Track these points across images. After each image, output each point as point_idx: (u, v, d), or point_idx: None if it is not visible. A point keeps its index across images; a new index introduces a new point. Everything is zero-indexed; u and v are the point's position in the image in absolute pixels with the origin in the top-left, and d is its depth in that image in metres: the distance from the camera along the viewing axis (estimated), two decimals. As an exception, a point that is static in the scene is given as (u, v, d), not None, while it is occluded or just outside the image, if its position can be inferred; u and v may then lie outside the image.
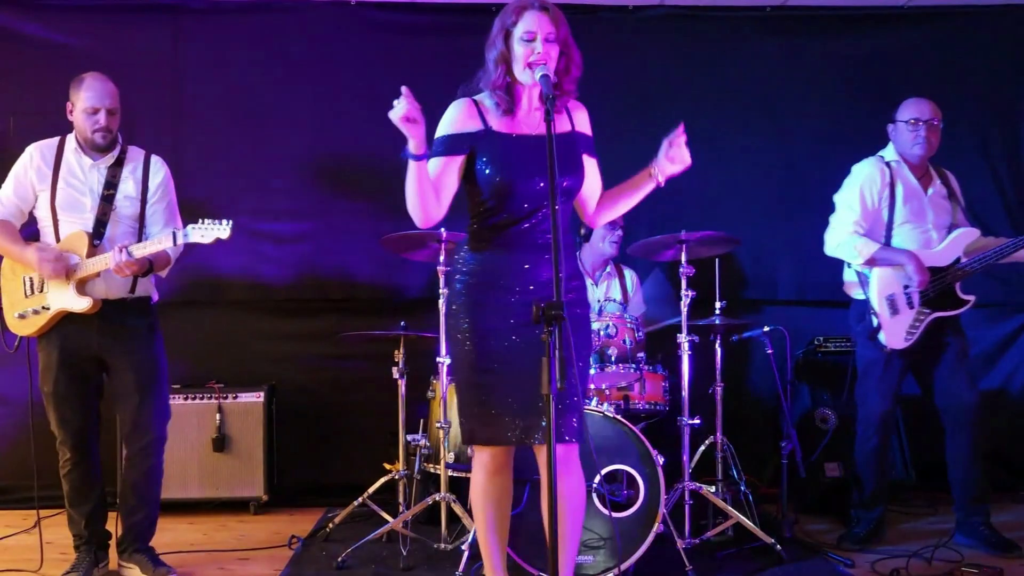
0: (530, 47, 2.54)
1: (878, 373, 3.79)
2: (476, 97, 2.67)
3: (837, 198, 3.87)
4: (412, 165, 2.48)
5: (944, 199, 3.81)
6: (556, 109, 2.60)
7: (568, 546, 2.69)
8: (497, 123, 2.64)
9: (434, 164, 2.61)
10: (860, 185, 3.79)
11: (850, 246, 3.76)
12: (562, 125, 2.66)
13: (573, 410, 2.61)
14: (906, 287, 3.72)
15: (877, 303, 3.75)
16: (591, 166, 2.75)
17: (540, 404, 2.49)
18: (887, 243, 3.78)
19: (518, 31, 2.56)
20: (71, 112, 3.38)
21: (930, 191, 3.80)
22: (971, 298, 3.73)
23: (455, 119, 2.65)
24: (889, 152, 3.84)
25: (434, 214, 2.57)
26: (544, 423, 2.50)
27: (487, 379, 2.62)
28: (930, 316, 3.70)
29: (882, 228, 3.80)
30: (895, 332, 3.74)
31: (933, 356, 3.78)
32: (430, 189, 2.54)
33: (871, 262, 3.73)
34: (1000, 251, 3.67)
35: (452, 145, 2.63)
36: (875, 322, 3.74)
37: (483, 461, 2.70)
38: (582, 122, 2.75)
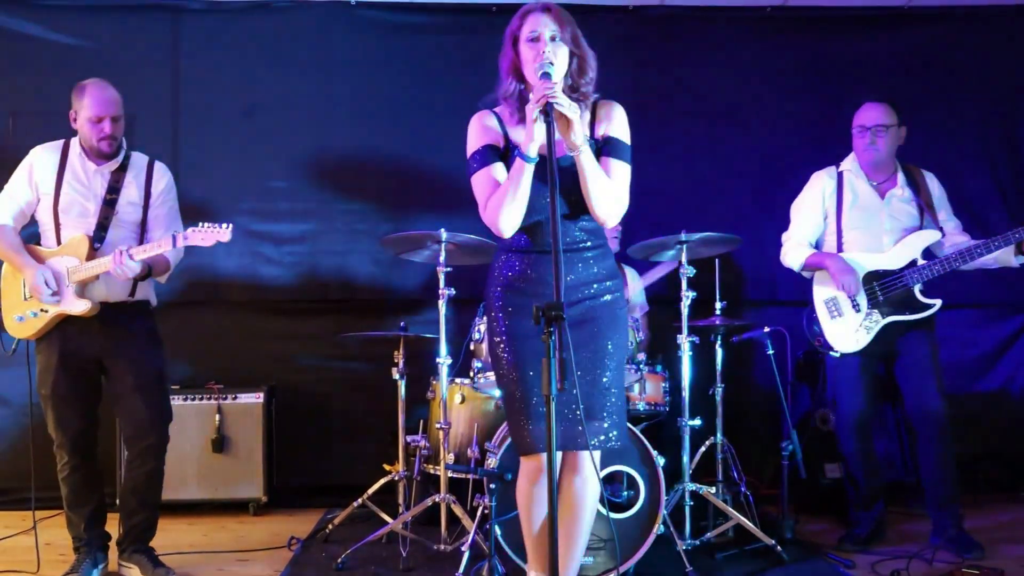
0: (536, 48, 2.53)
1: (842, 376, 3.83)
2: (497, 109, 2.68)
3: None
4: (521, 166, 2.49)
5: (907, 203, 3.78)
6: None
7: (575, 548, 2.72)
8: (516, 135, 2.63)
9: (479, 179, 2.63)
10: (801, 197, 3.95)
11: (785, 255, 3.94)
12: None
13: (601, 415, 2.61)
14: (852, 294, 3.74)
15: (817, 307, 3.82)
16: (610, 167, 2.63)
17: (577, 410, 2.52)
18: (839, 249, 3.82)
19: (523, 34, 2.56)
20: (75, 120, 3.37)
21: (889, 196, 3.79)
22: (934, 302, 3.68)
23: (481, 131, 2.66)
24: (848, 159, 3.89)
25: (516, 220, 2.58)
26: (581, 429, 2.53)
27: (524, 386, 2.61)
28: (884, 320, 3.70)
29: (833, 236, 3.86)
30: (840, 336, 3.77)
31: (902, 362, 3.77)
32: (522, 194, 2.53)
33: (807, 269, 3.87)
34: (965, 253, 3.62)
35: (486, 156, 2.63)
36: (817, 327, 3.81)
37: (524, 469, 2.70)
38: (607, 122, 2.65)
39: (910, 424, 3.98)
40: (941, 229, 3.77)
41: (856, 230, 3.81)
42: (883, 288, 3.71)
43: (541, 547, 2.73)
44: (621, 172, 2.64)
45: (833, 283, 3.76)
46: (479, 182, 2.64)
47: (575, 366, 2.43)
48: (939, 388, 3.71)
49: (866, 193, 3.81)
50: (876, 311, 3.72)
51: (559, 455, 2.64)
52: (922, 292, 3.70)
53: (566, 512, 2.68)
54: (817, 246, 3.92)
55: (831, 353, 3.81)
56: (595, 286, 2.67)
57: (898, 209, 3.78)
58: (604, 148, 2.64)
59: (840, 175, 3.87)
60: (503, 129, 2.66)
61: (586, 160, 2.52)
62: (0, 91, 4.66)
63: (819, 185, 3.90)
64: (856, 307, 3.74)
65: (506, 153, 2.64)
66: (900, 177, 3.83)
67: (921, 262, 3.69)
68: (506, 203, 2.54)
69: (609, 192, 2.58)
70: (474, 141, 2.66)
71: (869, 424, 3.84)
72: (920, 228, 3.76)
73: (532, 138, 2.45)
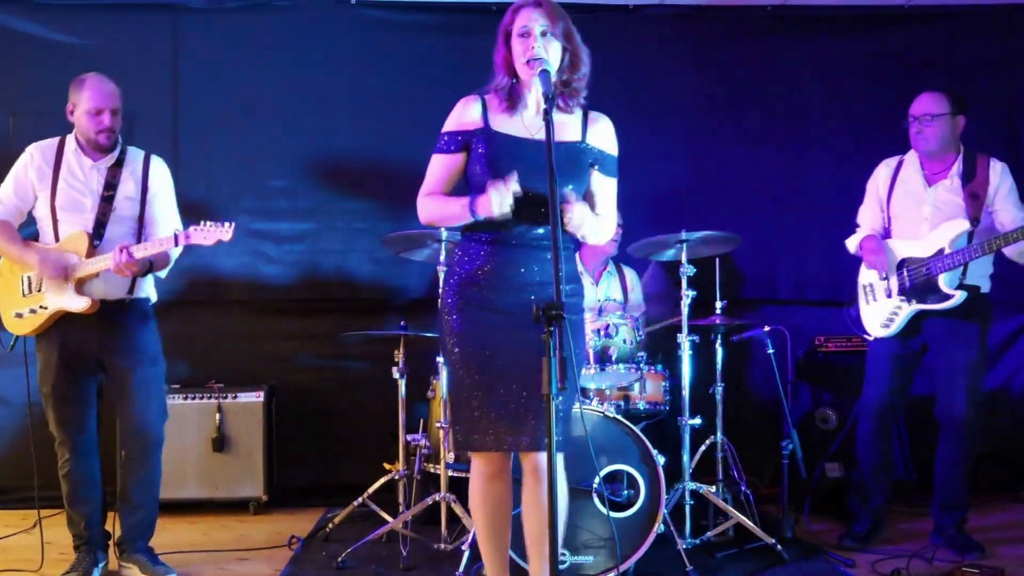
0: (526, 43, 2.52)
1: (873, 360, 3.86)
2: (486, 96, 2.66)
3: None
4: (465, 214, 2.56)
5: (954, 192, 3.71)
6: (567, 110, 2.60)
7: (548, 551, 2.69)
8: (498, 123, 2.61)
9: (436, 161, 2.66)
10: (868, 184, 3.95)
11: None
12: (568, 133, 2.61)
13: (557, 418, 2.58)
14: (884, 276, 3.76)
15: (858, 291, 3.89)
16: (598, 183, 2.67)
17: (529, 409, 2.49)
18: (889, 236, 3.85)
19: (515, 29, 2.55)
20: (72, 113, 3.37)
21: (937, 185, 3.74)
22: (955, 293, 3.63)
23: (457, 115, 2.66)
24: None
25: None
26: (537, 428, 2.49)
27: (475, 382, 2.58)
28: (910, 308, 3.70)
29: (884, 221, 3.89)
30: (871, 320, 3.82)
31: (933, 356, 3.77)
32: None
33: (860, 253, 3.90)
34: (974, 248, 3.56)
35: (450, 143, 2.65)
36: (855, 311, 3.87)
37: (479, 466, 2.66)
38: (600, 135, 2.66)
39: (914, 423, 4.00)
40: (977, 220, 3.66)
41: (899, 217, 3.82)
42: (911, 275, 3.70)
43: (498, 552, 2.68)
44: (611, 190, 2.71)
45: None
46: (432, 164, 2.69)
47: (523, 365, 2.45)
48: (969, 390, 3.66)
49: (914, 181, 3.80)
50: (905, 299, 3.72)
51: (495, 456, 2.62)
52: (947, 284, 3.65)
53: (532, 516, 2.62)
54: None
55: (865, 337, 3.86)
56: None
57: (942, 198, 3.73)
58: (597, 164, 2.66)
59: (900, 163, 3.86)
60: (484, 114, 2.63)
61: (588, 231, 2.56)
62: (0, 91, 4.67)
63: (877, 173, 3.92)
64: (888, 293, 3.76)
65: (477, 133, 2.61)
66: (956, 166, 3.74)
67: (948, 251, 3.64)
68: (435, 219, 2.68)
69: (604, 228, 2.67)
70: (448, 123, 2.69)
71: (889, 412, 3.83)
72: (966, 218, 3.69)
73: (489, 212, 2.45)
